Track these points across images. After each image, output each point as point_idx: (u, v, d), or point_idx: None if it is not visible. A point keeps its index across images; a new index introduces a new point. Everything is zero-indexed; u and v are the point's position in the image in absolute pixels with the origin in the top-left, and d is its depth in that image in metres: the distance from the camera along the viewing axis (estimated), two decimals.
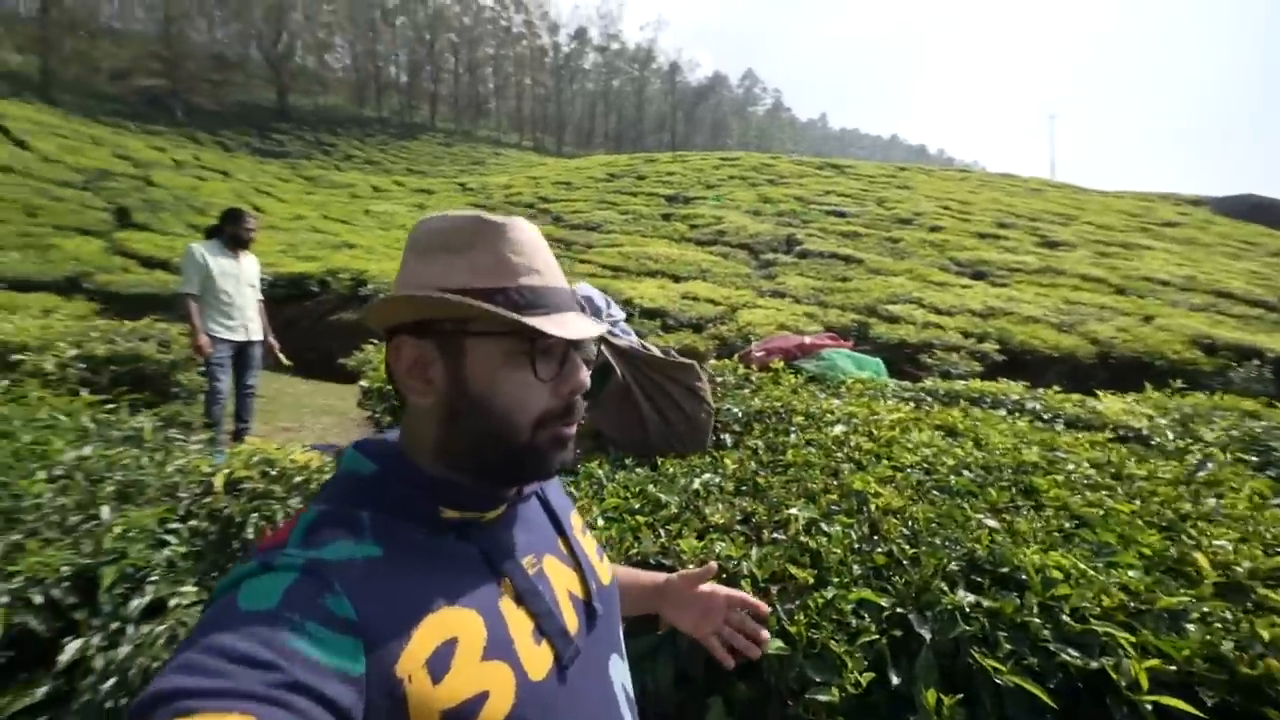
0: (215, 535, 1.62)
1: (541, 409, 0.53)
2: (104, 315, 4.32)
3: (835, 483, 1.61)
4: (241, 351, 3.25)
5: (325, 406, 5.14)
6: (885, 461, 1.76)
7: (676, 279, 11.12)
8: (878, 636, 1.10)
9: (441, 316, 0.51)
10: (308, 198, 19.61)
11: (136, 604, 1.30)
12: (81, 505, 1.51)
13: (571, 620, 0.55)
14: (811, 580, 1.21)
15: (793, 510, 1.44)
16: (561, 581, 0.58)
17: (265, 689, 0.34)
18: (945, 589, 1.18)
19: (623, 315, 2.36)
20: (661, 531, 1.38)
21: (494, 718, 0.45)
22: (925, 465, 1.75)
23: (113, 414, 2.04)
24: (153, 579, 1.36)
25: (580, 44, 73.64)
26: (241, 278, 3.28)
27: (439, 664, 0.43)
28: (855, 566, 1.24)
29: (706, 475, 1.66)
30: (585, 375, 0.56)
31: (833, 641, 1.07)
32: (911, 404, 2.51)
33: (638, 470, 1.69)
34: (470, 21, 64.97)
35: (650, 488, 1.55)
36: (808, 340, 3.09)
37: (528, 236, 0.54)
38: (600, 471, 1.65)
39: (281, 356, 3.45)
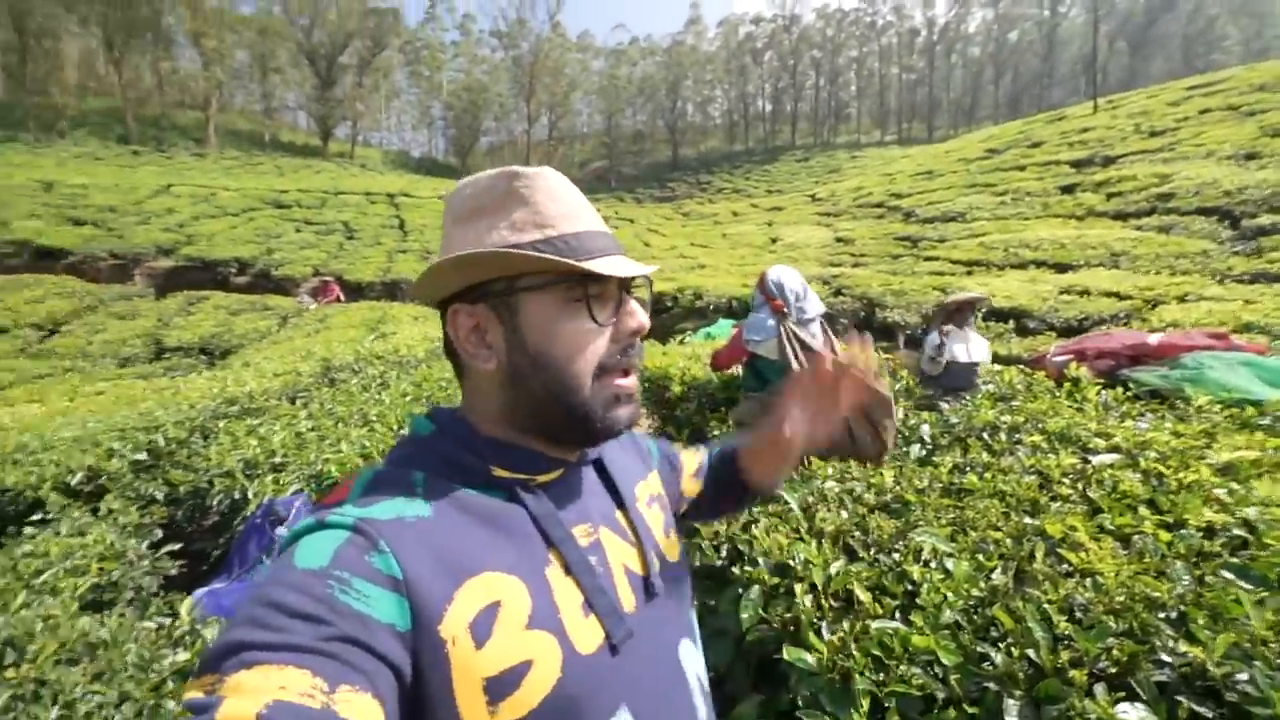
0: None
1: (600, 356, 0.51)
2: None
3: (1026, 522, 1.18)
4: None
5: None
6: (1151, 512, 1.15)
7: (1063, 269, 8.43)
8: (927, 695, 0.87)
9: (490, 277, 0.51)
10: (682, 230, 23.77)
11: None
12: None
13: (627, 597, 0.52)
14: (880, 611, 1.01)
15: (918, 535, 1.18)
16: (618, 555, 0.54)
17: (317, 642, 0.36)
18: (1096, 693, 0.81)
19: (819, 310, 2.08)
20: (762, 521, 1.37)
21: (539, 689, 0.43)
22: (1242, 532, 1.06)
23: None
24: None
25: (963, 8, 63.20)
26: None
27: (482, 629, 0.42)
28: (951, 613, 0.96)
29: (852, 484, 1.48)
30: (643, 317, 0.53)
31: (860, 676, 0.91)
32: None
33: None
34: (833, 31, 64.86)
35: None
36: (1154, 340, 2.00)
37: (561, 183, 0.54)
38: None
39: None
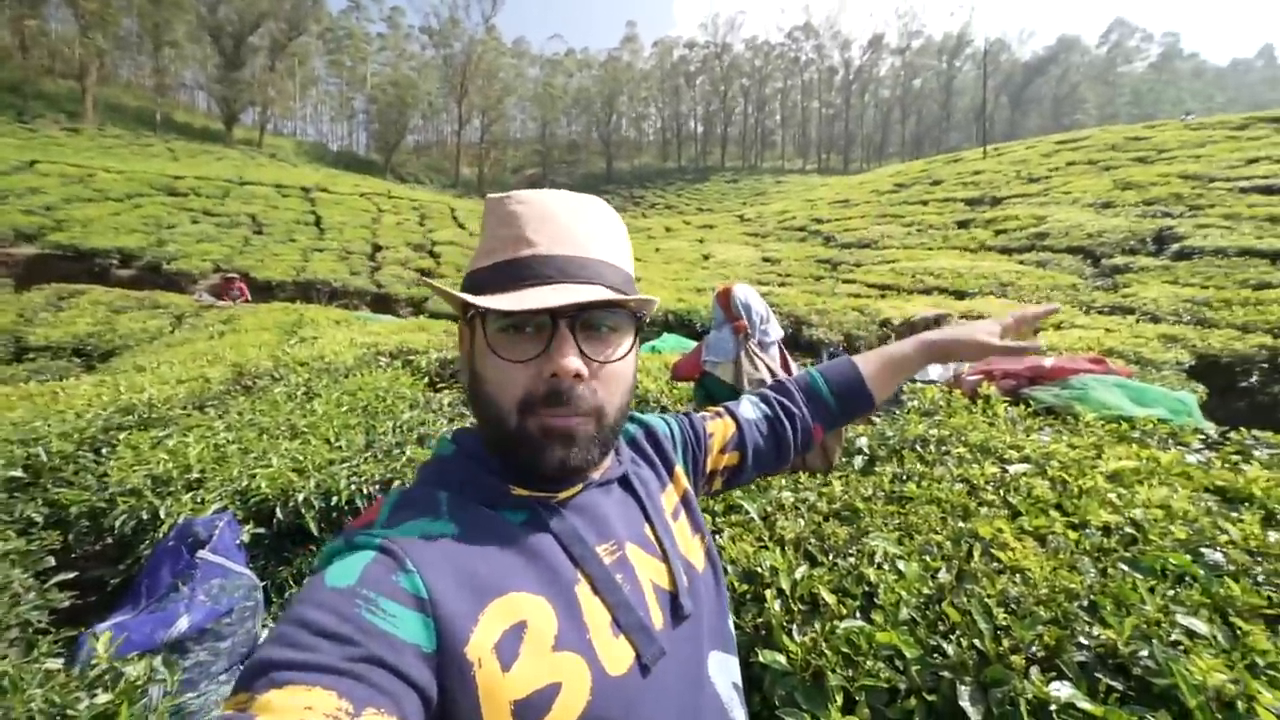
0: None
1: (522, 392, 0.48)
2: None
3: (960, 525, 1.33)
4: None
5: None
6: (1060, 514, 1.33)
7: (961, 295, 9.42)
8: (891, 687, 0.95)
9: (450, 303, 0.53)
10: None
11: None
12: (399, 444, 2.44)
13: (656, 615, 0.51)
14: (844, 612, 1.10)
15: (870, 540, 1.28)
16: (646, 572, 0.53)
17: (344, 663, 0.36)
18: (1031, 675, 0.92)
19: (779, 335, 2.07)
20: (727, 531, 1.43)
21: (569, 712, 0.42)
22: (1132, 530, 1.26)
23: (434, 393, 3.15)
24: None
25: (875, 53, 69.30)
26: None
27: (507, 650, 0.42)
28: (908, 611, 1.06)
29: (806, 494, 1.58)
30: (570, 359, 0.47)
31: (832, 673, 0.97)
32: (1210, 457, 1.70)
33: None
34: (761, 63, 68.70)
35: (736, 493, 1.58)
36: (1048, 363, 2.34)
37: (527, 207, 0.51)
38: None
39: None
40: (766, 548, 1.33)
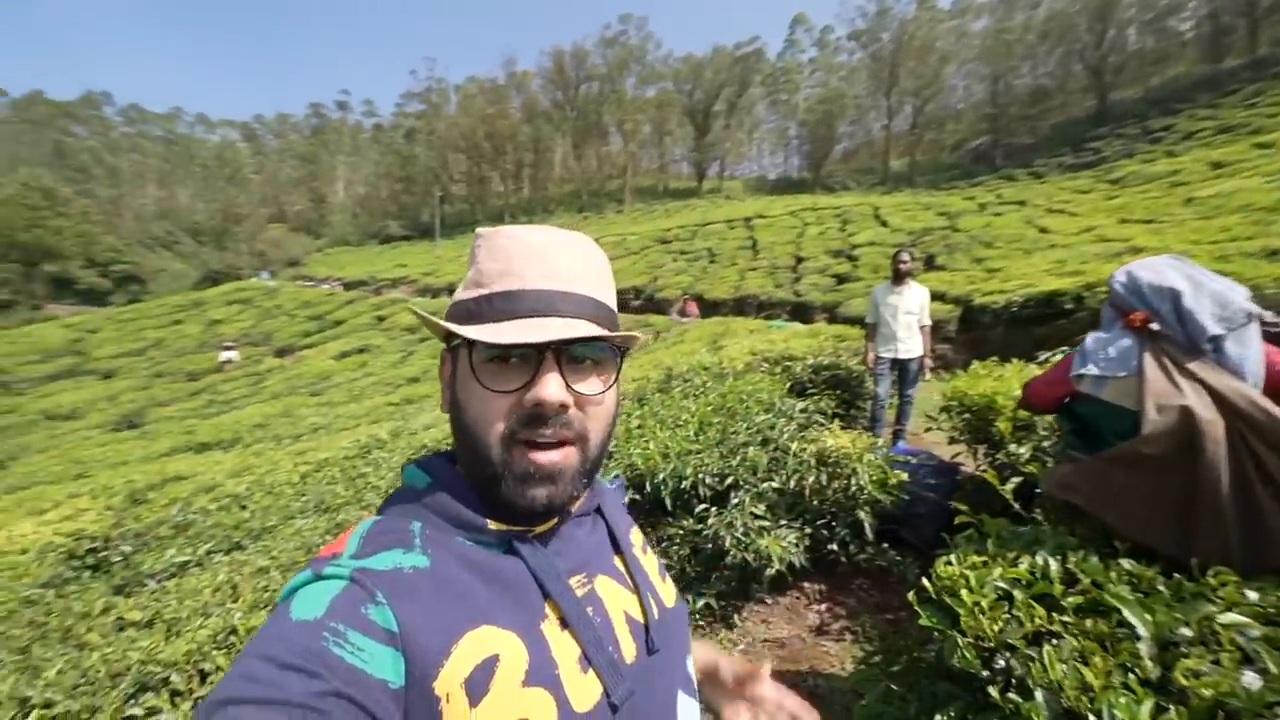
0: (794, 486, 2.42)
1: (505, 423, 0.49)
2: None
3: None
4: (900, 367, 3.94)
5: None
6: None
7: None
8: None
9: (440, 332, 0.53)
10: (1107, 203, 17.48)
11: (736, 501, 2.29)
12: (745, 444, 2.67)
13: (628, 647, 0.52)
14: None
15: None
16: (617, 604, 0.54)
17: (308, 697, 0.36)
18: None
19: (1245, 311, 1.12)
20: (1066, 642, 0.94)
21: None
22: None
23: (797, 399, 3.25)
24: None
25: None
26: (900, 308, 3.93)
27: (477, 686, 0.42)
28: None
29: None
30: (552, 389, 0.48)
31: None
32: None
33: (1124, 562, 1.04)
34: None
35: (1114, 588, 0.99)
36: None
37: (516, 243, 0.52)
38: (1045, 533, 1.14)
39: (927, 373, 3.96)
40: (1132, 691, 0.81)
